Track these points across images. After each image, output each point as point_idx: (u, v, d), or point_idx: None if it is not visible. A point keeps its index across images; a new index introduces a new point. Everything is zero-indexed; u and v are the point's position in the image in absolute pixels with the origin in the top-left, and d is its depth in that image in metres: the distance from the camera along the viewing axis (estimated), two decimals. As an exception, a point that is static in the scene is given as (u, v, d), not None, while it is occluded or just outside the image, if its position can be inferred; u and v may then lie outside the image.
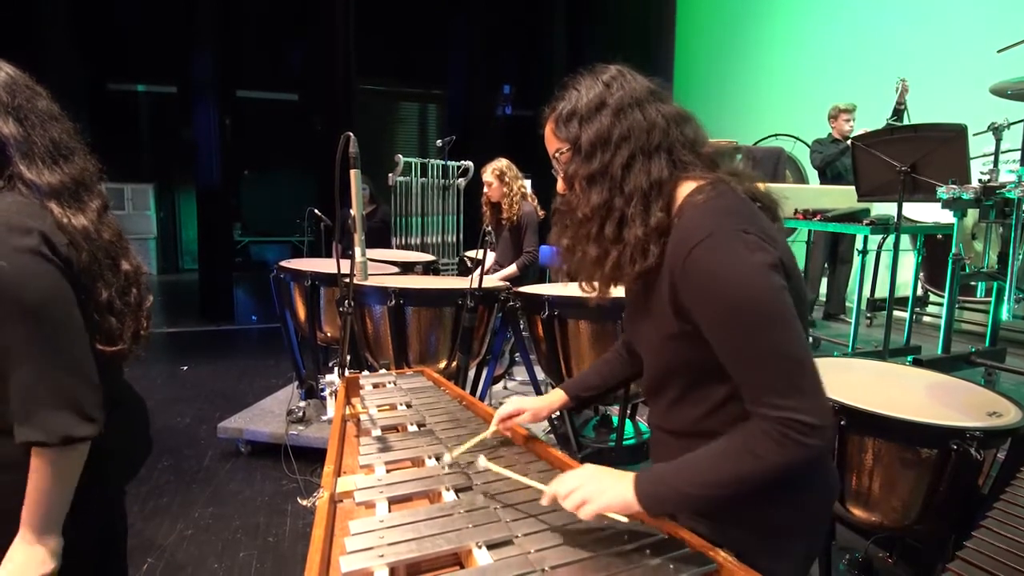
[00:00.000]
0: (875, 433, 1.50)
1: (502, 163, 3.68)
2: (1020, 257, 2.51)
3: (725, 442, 0.86)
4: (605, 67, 0.98)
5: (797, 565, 1.00)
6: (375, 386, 1.68)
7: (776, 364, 0.81)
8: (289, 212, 8.79)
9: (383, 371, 1.80)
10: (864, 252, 3.45)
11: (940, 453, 1.42)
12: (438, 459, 1.20)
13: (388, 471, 1.16)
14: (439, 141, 5.57)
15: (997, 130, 3.09)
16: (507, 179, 3.65)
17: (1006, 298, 2.61)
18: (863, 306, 3.98)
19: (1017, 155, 3.37)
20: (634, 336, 1.09)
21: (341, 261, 1.94)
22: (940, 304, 3.83)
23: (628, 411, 2.73)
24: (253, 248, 10.31)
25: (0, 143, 0.98)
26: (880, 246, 3.54)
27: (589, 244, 0.95)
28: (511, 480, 1.04)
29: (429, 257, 4.41)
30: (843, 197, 3.82)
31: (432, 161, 5.38)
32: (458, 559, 0.90)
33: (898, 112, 4.34)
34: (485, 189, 3.73)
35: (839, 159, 4.59)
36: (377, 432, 1.30)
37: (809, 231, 4.53)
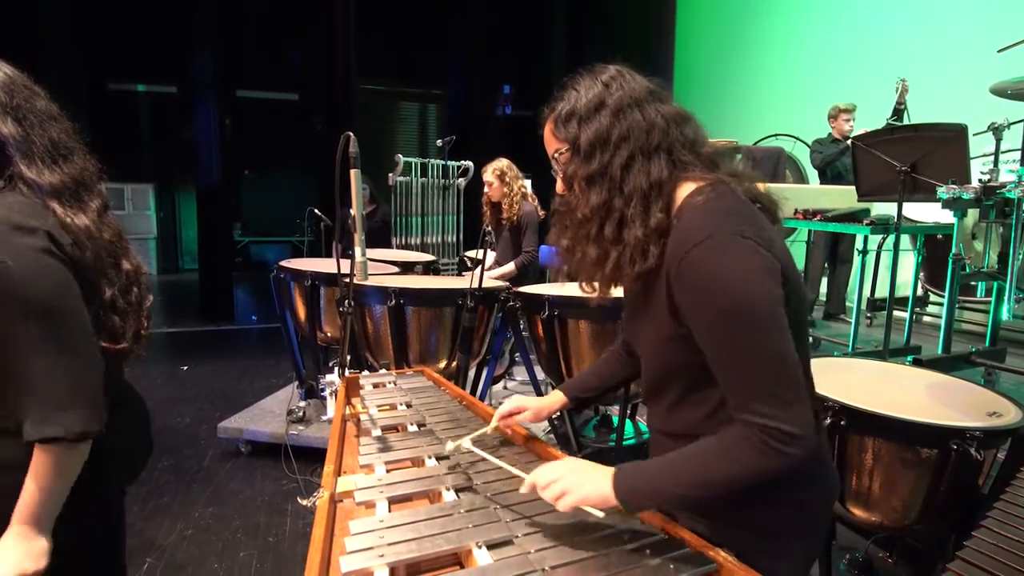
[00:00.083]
0: (875, 433, 1.50)
1: (503, 163, 3.68)
2: (1020, 257, 2.51)
3: (706, 444, 0.86)
4: (604, 67, 0.98)
5: (797, 565, 1.00)
6: (375, 386, 1.68)
7: (762, 371, 0.81)
8: (289, 212, 8.80)
9: (383, 371, 1.80)
10: (864, 252, 3.45)
11: (940, 453, 1.42)
12: (438, 460, 1.20)
13: (388, 471, 1.16)
14: (439, 141, 5.56)
15: (997, 130, 3.09)
16: (508, 179, 3.65)
17: (1006, 298, 2.61)
18: (863, 306, 3.98)
19: (1017, 155, 3.37)
20: (633, 338, 1.08)
21: (341, 261, 1.94)
22: (940, 304, 3.82)
23: (628, 411, 2.73)
24: (253, 248, 10.31)
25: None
26: (880, 246, 3.54)
27: (589, 245, 0.95)
28: (510, 480, 1.04)
29: (429, 257, 4.41)
30: (843, 197, 3.82)
31: (432, 161, 5.38)
32: (458, 559, 0.90)
33: (898, 112, 4.34)
34: (486, 189, 3.73)
35: (839, 159, 4.59)
36: (377, 432, 1.30)
37: (809, 231, 4.53)
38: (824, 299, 4.87)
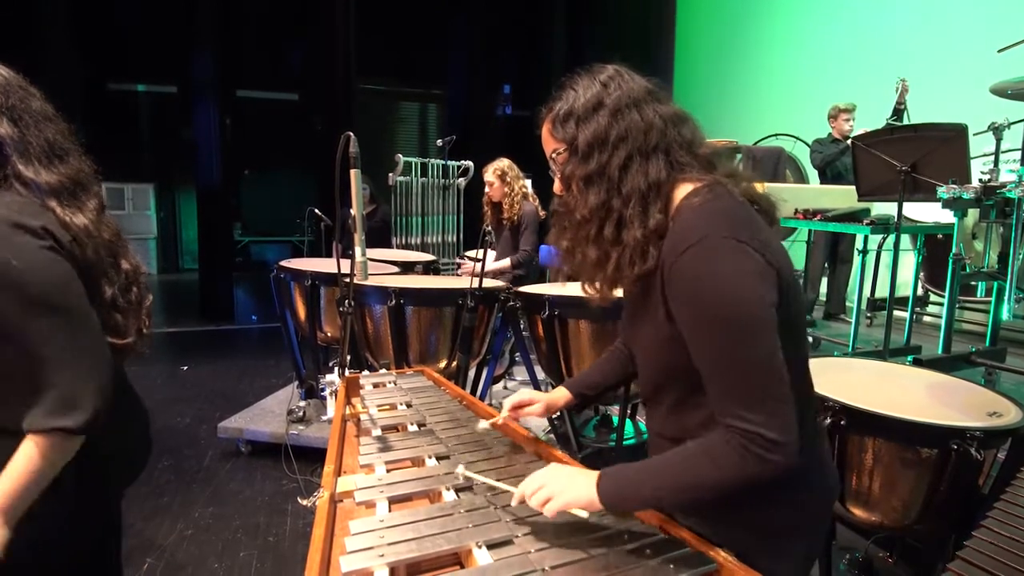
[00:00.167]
0: (875, 433, 1.50)
1: (503, 163, 3.68)
2: (1020, 257, 2.51)
3: (690, 448, 0.86)
4: (602, 67, 0.97)
5: (797, 565, 1.00)
6: (375, 386, 1.68)
7: (747, 376, 0.81)
8: (289, 212, 8.80)
9: (383, 371, 1.80)
10: (864, 252, 3.45)
11: (940, 453, 1.42)
12: (438, 459, 1.20)
13: (388, 471, 1.16)
14: (439, 141, 5.56)
15: (997, 130, 3.09)
16: (508, 179, 3.65)
17: (1006, 298, 2.61)
18: (863, 306, 3.98)
19: (1017, 155, 3.37)
20: (632, 339, 1.08)
21: (341, 261, 1.94)
22: (940, 304, 3.83)
23: (628, 411, 2.73)
24: (253, 248, 10.31)
25: None
26: (880, 246, 3.54)
27: (589, 246, 0.95)
28: (510, 480, 1.04)
29: (429, 257, 4.41)
30: (843, 197, 3.82)
31: (432, 161, 5.38)
32: (458, 559, 0.90)
33: (898, 112, 4.34)
34: (486, 189, 3.72)
35: (839, 159, 4.59)
36: (377, 432, 1.30)
37: (809, 231, 4.53)
38: (824, 299, 4.87)
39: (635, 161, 0.91)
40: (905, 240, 3.93)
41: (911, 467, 1.47)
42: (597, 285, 1.01)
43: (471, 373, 2.80)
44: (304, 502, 1.06)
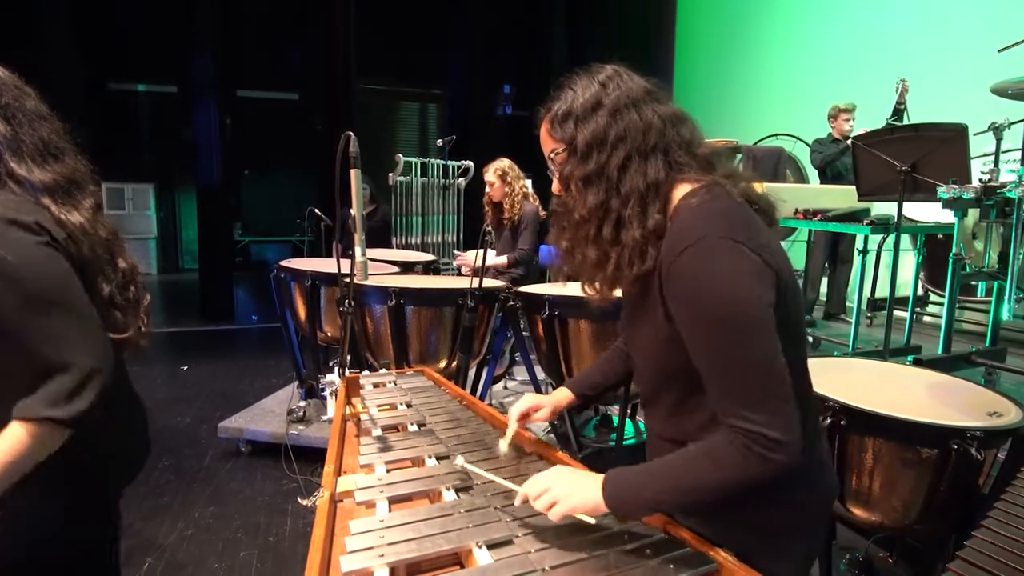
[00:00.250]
0: (875, 433, 1.50)
1: (504, 163, 3.68)
2: (1020, 257, 2.51)
3: (693, 450, 0.86)
4: (601, 67, 0.97)
5: (797, 565, 1.00)
6: (375, 386, 1.68)
7: (747, 376, 0.81)
8: (289, 212, 8.80)
9: (383, 371, 1.80)
10: (864, 252, 3.45)
11: (940, 453, 1.42)
12: (438, 459, 1.19)
13: (388, 471, 1.16)
14: (439, 141, 5.57)
15: (998, 130, 3.09)
16: (509, 179, 3.65)
17: (1006, 298, 2.61)
18: (863, 306, 3.98)
19: (1018, 155, 3.37)
20: (630, 341, 1.08)
21: (341, 261, 1.94)
22: (940, 304, 3.82)
23: (628, 411, 2.73)
24: (253, 248, 10.31)
25: None
26: (880, 246, 3.54)
27: (587, 246, 0.94)
28: (512, 480, 1.04)
29: (429, 257, 4.41)
30: (843, 197, 3.82)
31: (432, 161, 5.38)
32: (458, 559, 0.90)
33: (898, 112, 4.34)
34: (487, 189, 3.72)
35: (839, 159, 4.59)
36: (377, 432, 1.30)
37: (809, 231, 4.53)
38: (824, 299, 4.87)
39: (634, 161, 0.91)
40: (905, 240, 3.93)
41: (911, 467, 1.47)
42: (596, 285, 1.00)
43: (471, 373, 2.80)
44: (304, 502, 1.06)
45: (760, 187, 1.00)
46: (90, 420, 0.94)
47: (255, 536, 2.44)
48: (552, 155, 0.98)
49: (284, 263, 3.28)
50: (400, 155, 5.12)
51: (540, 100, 1.02)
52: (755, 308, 0.81)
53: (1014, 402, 1.58)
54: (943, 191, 2.67)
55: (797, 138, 5.97)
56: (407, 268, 3.60)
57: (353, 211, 1.47)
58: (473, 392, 2.85)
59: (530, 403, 1.23)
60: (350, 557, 0.83)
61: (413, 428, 1.37)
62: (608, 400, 2.84)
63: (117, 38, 8.31)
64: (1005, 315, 2.75)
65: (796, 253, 4.67)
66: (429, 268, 3.91)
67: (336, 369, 1.67)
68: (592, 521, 0.90)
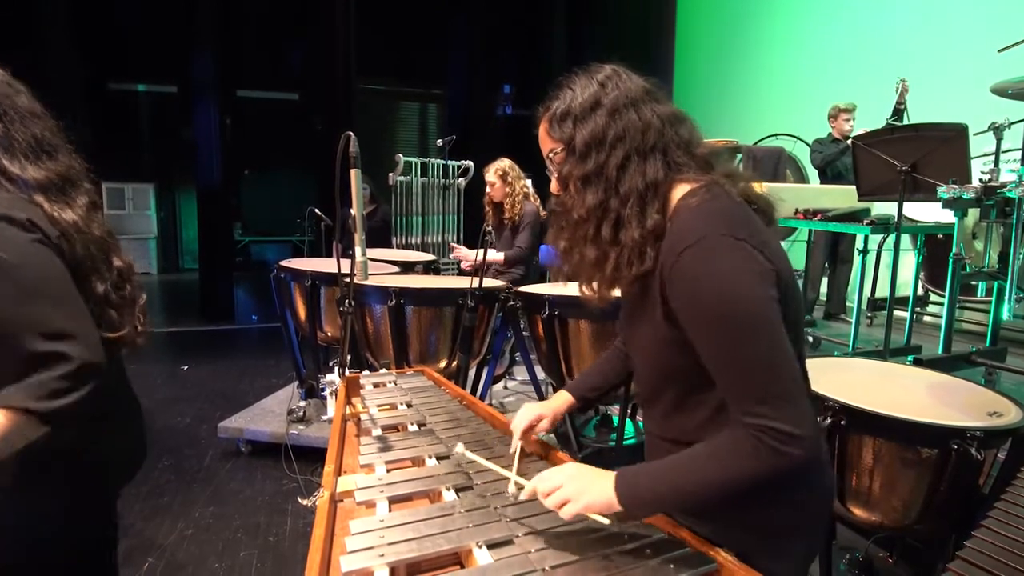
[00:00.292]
0: (876, 433, 1.50)
1: (505, 163, 3.68)
2: (1021, 256, 2.51)
3: (707, 446, 0.86)
4: (600, 66, 0.97)
5: (797, 565, 1.00)
6: (375, 386, 1.68)
7: (758, 372, 0.81)
8: (289, 212, 8.80)
9: (383, 371, 1.80)
10: (864, 252, 3.45)
11: (941, 453, 1.42)
12: (438, 459, 1.19)
13: (388, 471, 1.16)
14: (439, 141, 5.57)
15: (998, 130, 3.09)
16: (510, 179, 3.65)
17: (1007, 298, 2.61)
18: (863, 306, 3.98)
19: (1018, 155, 3.37)
20: (629, 341, 1.08)
21: (341, 261, 1.94)
22: (941, 304, 3.82)
23: (628, 411, 2.73)
24: (253, 248, 10.32)
25: None
26: (880, 246, 3.54)
27: (586, 246, 0.94)
28: (510, 480, 1.04)
29: (429, 257, 4.41)
30: (843, 197, 3.82)
31: (432, 161, 5.38)
32: (458, 559, 0.90)
33: (898, 112, 4.34)
34: (488, 189, 3.72)
35: (839, 159, 4.59)
36: (377, 432, 1.30)
37: (809, 231, 4.53)
38: (824, 299, 4.87)
39: (633, 161, 0.91)
40: (905, 240, 3.93)
41: (911, 467, 1.47)
42: (594, 285, 1.00)
43: (471, 373, 2.80)
44: (304, 502, 1.06)
45: (760, 187, 1.00)
46: (73, 416, 0.92)
47: (255, 536, 2.44)
48: (551, 155, 0.98)
49: (284, 263, 3.28)
50: (400, 155, 5.12)
51: (540, 100, 1.02)
52: (759, 304, 0.81)
53: (1014, 402, 1.58)
54: (943, 191, 2.67)
55: (797, 138, 5.97)
56: (407, 268, 3.60)
57: (353, 211, 1.47)
58: (473, 392, 2.85)
59: (531, 416, 1.20)
60: (350, 557, 0.83)
61: (413, 428, 1.37)
62: (608, 400, 2.84)
63: (117, 38, 8.31)
64: (1005, 315, 2.75)
65: (796, 253, 4.67)
66: (429, 268, 3.91)
67: (336, 369, 1.67)
68: (606, 522, 0.89)
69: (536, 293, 2.59)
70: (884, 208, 3.50)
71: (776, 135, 6.16)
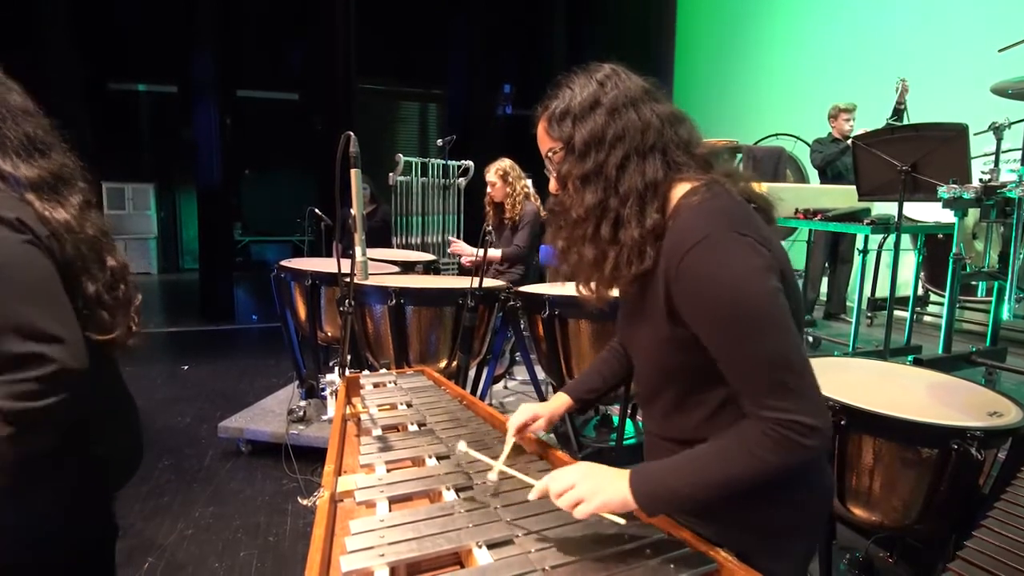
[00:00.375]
0: (876, 433, 1.49)
1: (505, 163, 3.68)
2: (1021, 256, 2.51)
3: (722, 442, 0.86)
4: (599, 66, 0.97)
5: (797, 565, 1.00)
6: (375, 385, 1.68)
7: (773, 367, 0.81)
8: (289, 212, 8.79)
9: (383, 370, 1.80)
10: (865, 252, 3.45)
11: (941, 453, 1.42)
12: (438, 459, 1.19)
13: (388, 470, 1.16)
14: (439, 141, 5.57)
15: (998, 130, 3.09)
16: (511, 179, 3.65)
17: (1007, 298, 2.61)
18: (864, 306, 3.98)
19: (1018, 155, 3.37)
20: (628, 341, 1.08)
21: (341, 260, 1.94)
22: (941, 304, 3.82)
23: (628, 411, 2.73)
24: (253, 248, 10.32)
25: None
26: (881, 246, 3.54)
27: (585, 245, 0.94)
28: (511, 479, 1.04)
29: (430, 257, 4.41)
30: (844, 197, 3.82)
31: (432, 160, 5.38)
32: (458, 559, 0.90)
33: (898, 112, 4.34)
34: (488, 189, 3.72)
35: (839, 159, 4.60)
36: (377, 431, 1.30)
37: (809, 231, 4.54)
38: (824, 299, 4.87)
39: (632, 160, 0.91)
40: (905, 240, 3.93)
41: (911, 467, 1.47)
42: (592, 285, 1.00)
43: (471, 373, 2.80)
44: (304, 502, 1.06)
45: (760, 187, 1.00)
46: (43, 421, 0.90)
47: (255, 536, 2.44)
48: (549, 154, 0.98)
49: (284, 263, 3.28)
50: (400, 155, 5.12)
51: (540, 100, 1.02)
52: (772, 297, 0.82)
53: (1014, 402, 1.58)
54: (943, 191, 2.67)
55: (797, 138, 5.97)
56: (407, 268, 3.60)
57: (353, 211, 1.47)
58: (473, 392, 2.85)
59: (527, 415, 1.21)
60: (350, 557, 0.83)
61: (413, 428, 1.37)
62: (608, 400, 2.84)
63: (117, 38, 8.31)
64: (1005, 315, 2.75)
65: (796, 253, 4.67)
66: (429, 268, 3.91)
67: (336, 369, 1.67)
68: (622, 521, 0.88)
69: (536, 293, 2.59)
70: (884, 208, 3.50)
71: (776, 135, 6.16)
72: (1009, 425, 1.45)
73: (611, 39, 8.03)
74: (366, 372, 1.85)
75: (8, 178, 0.97)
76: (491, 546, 0.88)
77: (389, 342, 2.63)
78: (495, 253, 3.66)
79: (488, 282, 2.76)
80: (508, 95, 8.41)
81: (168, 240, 9.73)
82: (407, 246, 5.25)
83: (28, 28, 6.06)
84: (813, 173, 5.17)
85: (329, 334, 3.10)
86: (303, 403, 3.24)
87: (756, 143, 6.03)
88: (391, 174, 5.11)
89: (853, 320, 3.50)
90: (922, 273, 3.98)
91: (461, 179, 5.51)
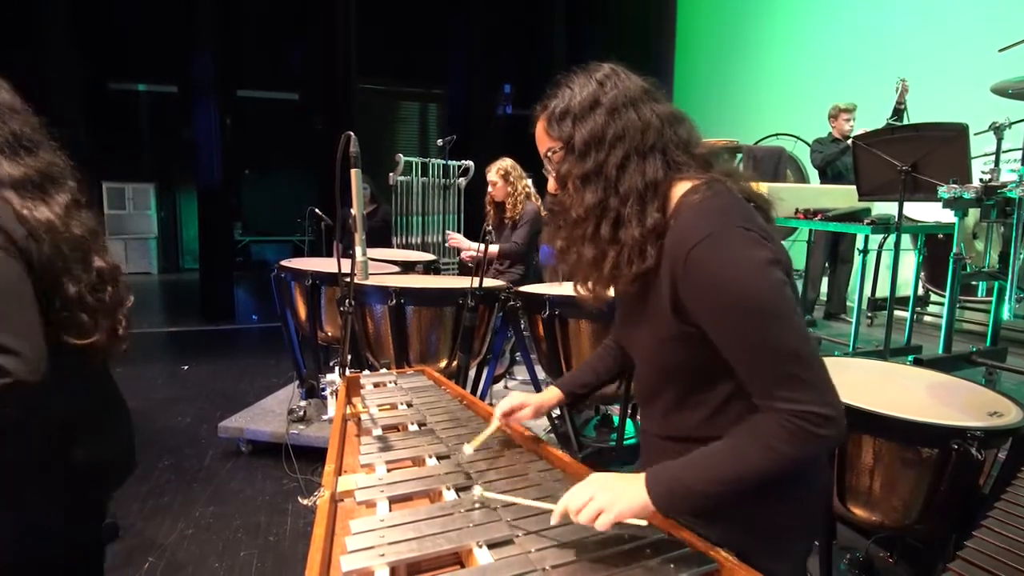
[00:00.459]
0: (876, 433, 1.49)
1: (506, 163, 3.67)
2: (1021, 256, 2.51)
3: (736, 438, 0.86)
4: (599, 65, 0.97)
5: (796, 565, 1.00)
6: (376, 385, 1.68)
7: (784, 358, 0.81)
8: (290, 212, 8.77)
9: (384, 370, 1.80)
10: (865, 252, 3.45)
11: (941, 453, 1.42)
12: (439, 459, 1.19)
13: (389, 470, 1.16)
14: (440, 140, 5.57)
15: (998, 129, 3.09)
16: (512, 179, 3.65)
17: (1007, 297, 2.61)
18: (864, 306, 3.98)
19: (1018, 154, 3.37)
20: (627, 341, 1.08)
21: (342, 260, 1.94)
22: (941, 304, 3.82)
23: (628, 411, 2.73)
24: (254, 247, 10.32)
25: None
26: (881, 245, 3.54)
27: (585, 245, 0.94)
28: (511, 479, 1.04)
29: (430, 256, 4.41)
30: (844, 197, 3.82)
31: (433, 160, 5.39)
32: (458, 558, 0.90)
33: (898, 112, 4.34)
34: (489, 189, 3.72)
35: (839, 158, 4.60)
36: (378, 431, 1.30)
37: (809, 231, 4.53)
38: (825, 299, 4.87)
39: (632, 160, 0.91)
40: (906, 240, 3.92)
41: (912, 467, 1.47)
42: (590, 285, 1.00)
43: (471, 373, 2.80)
44: (305, 501, 1.06)
45: (758, 187, 1.00)
46: None
47: (255, 536, 2.44)
48: (549, 153, 0.98)
49: (284, 263, 3.28)
50: (400, 155, 5.12)
51: (540, 99, 1.02)
52: (780, 290, 0.82)
53: (1014, 402, 1.58)
54: (943, 191, 2.67)
55: (797, 138, 5.97)
56: (407, 268, 3.60)
57: (353, 211, 1.47)
58: (473, 392, 2.85)
59: (514, 402, 1.22)
60: (350, 557, 0.83)
61: (413, 428, 1.37)
62: (609, 400, 2.84)
63: (117, 38, 8.31)
64: (1005, 315, 2.75)
65: (796, 253, 4.66)
66: (429, 268, 3.91)
67: (336, 369, 1.67)
68: (644, 523, 0.88)
69: (536, 293, 2.59)
70: (884, 208, 3.50)
71: (776, 135, 6.16)
72: (1009, 425, 1.45)
73: (611, 39, 8.03)
74: (366, 372, 1.85)
75: None
76: (491, 546, 0.88)
77: (389, 342, 2.63)
78: (493, 248, 3.65)
79: (488, 282, 2.76)
80: (508, 95, 8.42)
81: (168, 240, 9.74)
82: (407, 246, 5.25)
83: (28, 28, 6.06)
84: (813, 173, 5.17)
85: (329, 334, 3.10)
86: (303, 403, 3.24)
87: (756, 143, 6.03)
88: (391, 174, 5.11)
89: (853, 320, 3.50)
90: (922, 273, 3.98)
91: (461, 179, 5.51)
